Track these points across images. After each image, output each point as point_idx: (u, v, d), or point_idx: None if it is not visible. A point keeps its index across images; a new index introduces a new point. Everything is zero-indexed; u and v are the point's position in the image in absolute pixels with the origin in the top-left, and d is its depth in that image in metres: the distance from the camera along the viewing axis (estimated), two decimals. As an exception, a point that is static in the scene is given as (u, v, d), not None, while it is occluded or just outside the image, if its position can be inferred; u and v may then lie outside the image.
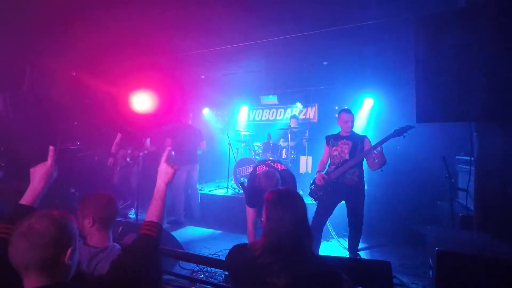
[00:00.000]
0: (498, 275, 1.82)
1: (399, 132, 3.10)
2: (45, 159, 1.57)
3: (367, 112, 6.02)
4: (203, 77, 6.38)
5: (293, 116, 5.96)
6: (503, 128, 2.30)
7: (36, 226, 1.04)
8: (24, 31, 4.01)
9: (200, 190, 5.56)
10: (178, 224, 4.92)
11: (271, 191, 1.49)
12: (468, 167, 3.31)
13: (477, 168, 2.56)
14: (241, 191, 5.21)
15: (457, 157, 3.83)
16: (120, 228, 2.97)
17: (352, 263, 2.50)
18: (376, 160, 3.10)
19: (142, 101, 5.54)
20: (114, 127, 5.38)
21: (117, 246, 1.65)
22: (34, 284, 1.01)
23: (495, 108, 2.11)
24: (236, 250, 1.48)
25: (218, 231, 4.69)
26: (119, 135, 5.22)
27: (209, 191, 5.53)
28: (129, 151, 5.05)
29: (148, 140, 5.20)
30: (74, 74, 5.40)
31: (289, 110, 7.07)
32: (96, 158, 5.64)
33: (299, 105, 6.74)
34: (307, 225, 1.40)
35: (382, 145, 3.09)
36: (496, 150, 2.35)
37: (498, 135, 2.33)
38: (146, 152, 5.05)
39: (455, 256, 1.92)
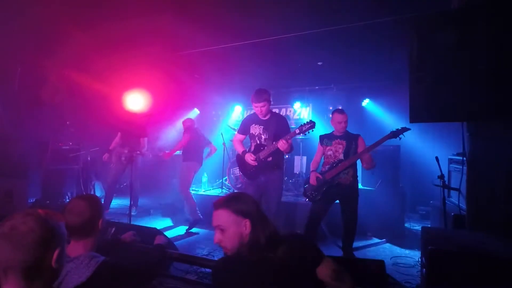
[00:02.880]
0: (490, 273, 1.84)
1: (395, 134, 3.11)
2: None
3: (361, 112, 6.06)
4: (197, 76, 6.36)
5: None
6: (494, 129, 2.33)
7: (19, 227, 0.95)
8: (15, 30, 3.94)
9: (195, 190, 5.53)
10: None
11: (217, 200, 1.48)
12: (460, 166, 3.35)
13: (469, 168, 2.58)
14: (235, 191, 5.18)
15: (449, 157, 3.87)
16: (113, 229, 2.93)
17: (346, 262, 2.51)
18: (366, 165, 3.16)
19: (135, 101, 5.50)
20: (108, 126, 5.33)
21: (96, 257, 1.43)
22: None
23: (486, 108, 2.13)
24: (220, 264, 1.49)
25: (212, 231, 4.66)
26: (119, 134, 5.17)
27: (204, 191, 5.51)
28: (126, 151, 4.97)
29: (145, 140, 5.15)
30: (66, 73, 5.34)
31: (283, 110, 7.07)
32: (89, 158, 5.58)
33: (297, 104, 6.74)
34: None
35: (371, 151, 3.14)
36: (488, 150, 2.38)
37: (489, 136, 2.36)
38: (142, 152, 5.01)
39: (448, 255, 1.93)
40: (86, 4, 3.48)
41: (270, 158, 3.23)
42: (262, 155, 3.22)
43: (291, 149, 3.21)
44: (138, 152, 4.92)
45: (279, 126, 3.25)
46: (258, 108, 3.22)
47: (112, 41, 4.41)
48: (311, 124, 3.01)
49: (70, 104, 5.56)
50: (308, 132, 3.06)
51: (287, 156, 5.66)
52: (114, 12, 3.61)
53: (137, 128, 5.12)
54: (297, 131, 3.03)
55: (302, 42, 4.34)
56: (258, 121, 3.34)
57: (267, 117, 3.30)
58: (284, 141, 3.01)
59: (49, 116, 5.14)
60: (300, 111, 6.90)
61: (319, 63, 5.33)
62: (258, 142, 3.33)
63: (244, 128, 3.48)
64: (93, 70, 5.33)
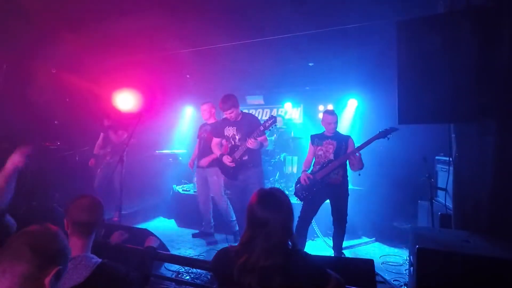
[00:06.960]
0: (475, 271, 1.89)
1: (383, 134, 3.16)
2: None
3: (351, 113, 6.12)
4: (188, 76, 6.32)
5: (279, 116, 6.02)
6: (479, 130, 2.39)
7: (41, 237, 1.01)
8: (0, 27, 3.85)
9: (186, 190, 5.50)
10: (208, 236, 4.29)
11: (258, 191, 1.42)
12: (447, 167, 3.42)
13: (455, 168, 2.65)
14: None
15: (436, 157, 3.95)
16: (103, 230, 2.89)
17: (336, 261, 2.54)
18: (353, 167, 3.23)
19: (125, 100, 5.41)
20: (96, 126, 5.23)
21: (95, 259, 1.44)
22: None
23: (471, 110, 2.19)
24: (220, 253, 1.47)
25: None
26: (101, 136, 5.05)
27: (195, 191, 5.47)
28: (109, 150, 4.87)
29: (124, 133, 4.94)
30: (54, 71, 5.23)
31: (275, 110, 7.10)
32: (77, 158, 5.48)
33: (288, 105, 6.75)
34: (291, 225, 1.37)
35: (360, 151, 3.18)
36: (473, 151, 2.44)
37: (474, 137, 2.42)
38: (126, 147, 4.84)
39: (434, 253, 1.98)
40: (74, 2, 3.42)
41: (245, 157, 3.42)
42: (237, 155, 3.40)
43: (261, 146, 3.40)
44: (125, 146, 4.78)
45: (250, 125, 3.41)
46: (227, 115, 3.46)
47: (102, 40, 4.34)
48: (273, 120, 3.20)
49: (59, 103, 5.44)
50: (272, 127, 3.24)
51: (277, 158, 5.67)
52: (104, 11, 3.56)
53: (116, 124, 4.97)
54: (261, 128, 3.22)
55: (293, 43, 4.37)
56: (230, 123, 3.55)
57: (239, 118, 3.50)
58: (252, 140, 3.22)
59: (36, 115, 5.02)
60: (292, 111, 6.93)
61: (310, 64, 5.37)
62: (232, 143, 3.51)
63: (218, 131, 3.66)
64: (83, 68, 5.23)
